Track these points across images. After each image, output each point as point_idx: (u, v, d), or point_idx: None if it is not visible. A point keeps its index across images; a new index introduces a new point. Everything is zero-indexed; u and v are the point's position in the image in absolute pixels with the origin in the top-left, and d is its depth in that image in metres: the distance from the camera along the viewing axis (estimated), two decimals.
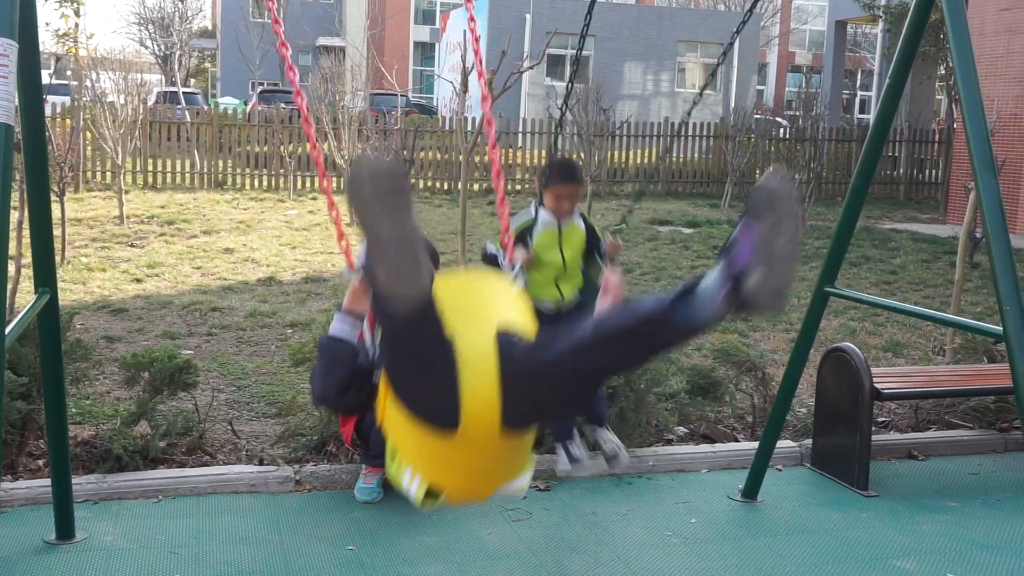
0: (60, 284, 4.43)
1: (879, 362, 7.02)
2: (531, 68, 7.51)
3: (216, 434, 5.13)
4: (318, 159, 3.41)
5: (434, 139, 18.19)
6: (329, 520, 4.32)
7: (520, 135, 18.98)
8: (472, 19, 3.64)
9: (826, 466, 5.10)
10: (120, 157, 13.65)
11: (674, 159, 19.15)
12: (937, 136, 20.63)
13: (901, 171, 20.21)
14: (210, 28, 51.92)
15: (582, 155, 14.90)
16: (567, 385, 2.41)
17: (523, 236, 4.31)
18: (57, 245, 6.42)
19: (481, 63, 3.81)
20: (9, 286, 4.69)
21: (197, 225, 12.75)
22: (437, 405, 2.38)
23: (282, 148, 17.08)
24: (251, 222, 13.23)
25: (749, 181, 17.45)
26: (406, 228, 2.17)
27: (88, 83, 16.16)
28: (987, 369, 5.71)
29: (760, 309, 2.17)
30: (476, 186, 15.73)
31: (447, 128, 18.30)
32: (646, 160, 18.95)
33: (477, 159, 16.67)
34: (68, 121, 15.56)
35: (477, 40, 3.72)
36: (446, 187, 17.73)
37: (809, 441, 5.29)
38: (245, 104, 27.17)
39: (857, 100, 44.05)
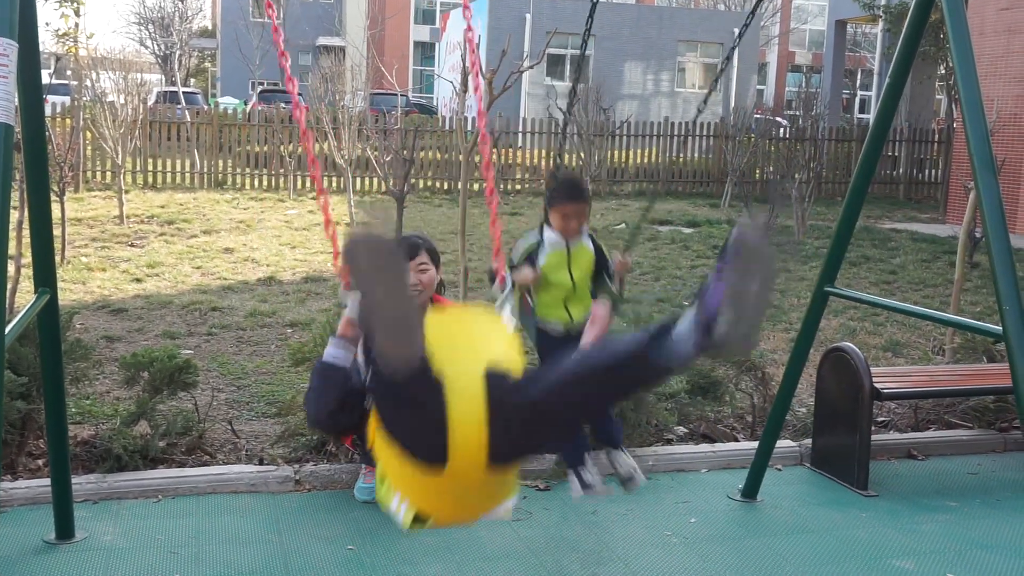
0: (60, 284, 4.43)
1: (879, 362, 7.02)
2: (531, 68, 7.51)
3: (216, 434, 5.13)
4: (317, 176, 3.24)
5: (434, 139, 18.18)
6: (329, 520, 4.33)
7: (520, 135, 18.98)
8: (470, 28, 3.62)
9: (826, 466, 5.10)
10: (120, 157, 13.66)
11: (674, 159, 19.16)
12: (937, 136, 20.62)
13: (901, 171, 20.21)
14: (210, 28, 51.90)
15: (582, 155, 14.91)
16: (551, 422, 2.49)
17: (530, 258, 4.19)
18: (57, 245, 6.42)
19: (479, 76, 3.77)
20: (9, 286, 4.70)
21: (197, 225, 12.75)
22: (425, 443, 2.44)
23: (282, 148, 17.08)
24: (251, 222, 13.23)
25: (749, 181, 17.46)
26: (401, 300, 2.26)
27: (88, 83, 16.14)
28: (987, 369, 5.71)
29: (728, 352, 2.34)
30: (476, 186, 15.71)
31: (447, 128, 18.30)
32: (646, 160, 18.95)
33: (477, 159, 16.58)
34: (68, 121, 15.55)
35: (475, 52, 3.70)
36: (446, 187, 17.73)
37: (809, 441, 5.29)
38: (245, 104, 27.16)
39: (857, 100, 44.02)
